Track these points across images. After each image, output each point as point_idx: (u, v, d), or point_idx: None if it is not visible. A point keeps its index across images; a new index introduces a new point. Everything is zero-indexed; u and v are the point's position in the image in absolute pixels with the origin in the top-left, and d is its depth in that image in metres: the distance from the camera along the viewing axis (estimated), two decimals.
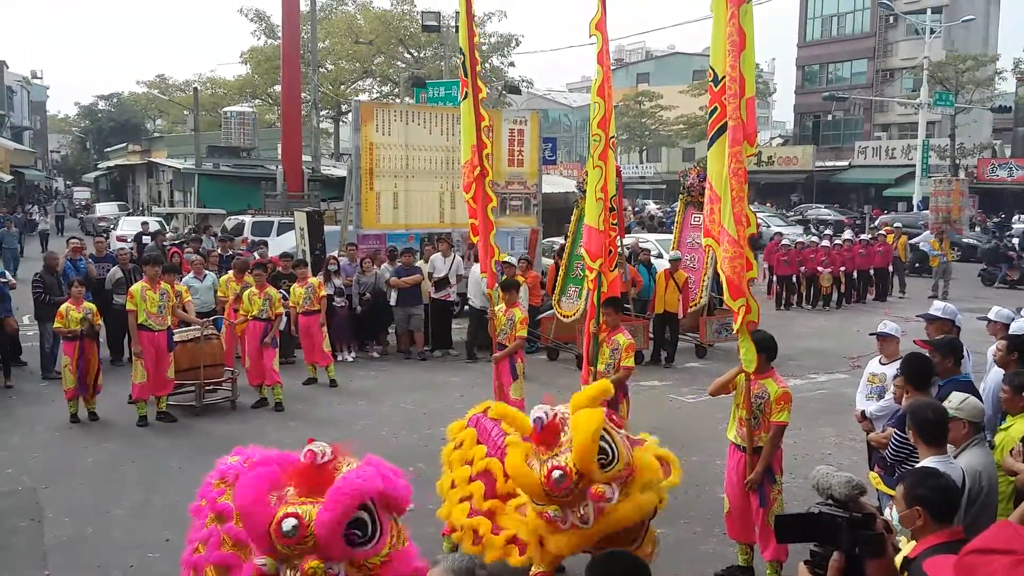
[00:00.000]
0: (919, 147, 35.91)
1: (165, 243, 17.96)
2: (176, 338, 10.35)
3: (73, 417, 9.97)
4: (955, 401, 4.61)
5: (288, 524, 3.60)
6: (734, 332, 6.59)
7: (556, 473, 4.60)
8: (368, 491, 3.77)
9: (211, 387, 10.86)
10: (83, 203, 51.76)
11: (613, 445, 4.75)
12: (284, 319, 11.80)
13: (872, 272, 20.62)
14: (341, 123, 45.41)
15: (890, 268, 21.35)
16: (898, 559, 2.89)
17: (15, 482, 8.10)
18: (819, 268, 19.15)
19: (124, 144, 56.41)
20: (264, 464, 3.94)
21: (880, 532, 1.90)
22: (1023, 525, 4.22)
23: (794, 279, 19.39)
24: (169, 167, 39.83)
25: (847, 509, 1.94)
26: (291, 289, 12.13)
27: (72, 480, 8.16)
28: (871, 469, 6.33)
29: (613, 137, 8.81)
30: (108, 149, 62.33)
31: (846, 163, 47.11)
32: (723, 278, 6.34)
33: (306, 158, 31.03)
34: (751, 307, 6.33)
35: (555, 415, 4.85)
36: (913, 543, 3.32)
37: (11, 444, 9.20)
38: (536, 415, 4.80)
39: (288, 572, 3.73)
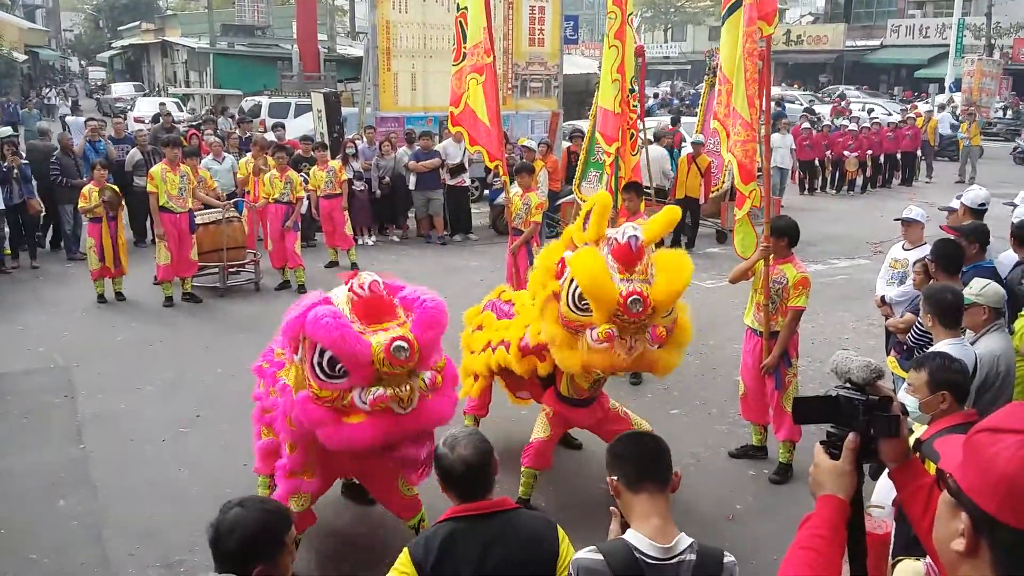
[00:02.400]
0: (954, 25, 34.55)
1: (179, 124, 17.80)
2: (198, 221, 10.41)
3: (100, 298, 10.16)
4: (976, 287, 4.59)
5: (398, 346, 3.96)
6: (735, 218, 6.60)
7: (635, 299, 4.48)
8: (443, 311, 4.22)
9: (234, 269, 10.99)
10: (99, 83, 51.16)
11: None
12: (305, 202, 11.80)
13: (899, 156, 20.23)
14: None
15: (919, 152, 20.93)
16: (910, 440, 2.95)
17: (47, 360, 8.33)
18: (845, 152, 18.80)
19: (137, 22, 55.28)
20: (324, 304, 4.13)
21: (896, 414, 1.92)
22: None
23: (817, 163, 19.04)
24: (184, 46, 39.18)
25: (864, 392, 1.95)
26: (311, 172, 12.08)
27: (103, 358, 8.38)
28: (888, 354, 6.38)
29: (631, 14, 8.50)
30: (121, 28, 61.12)
31: (878, 42, 45.54)
32: (734, 161, 6.26)
33: (321, 37, 30.39)
34: (758, 192, 6.31)
35: (643, 241, 4.67)
36: (925, 427, 3.40)
37: (41, 323, 9.42)
38: (632, 232, 4.61)
39: (400, 389, 4.06)
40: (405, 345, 3.97)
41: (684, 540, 2.49)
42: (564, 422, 5.65)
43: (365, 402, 4.02)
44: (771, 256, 6.01)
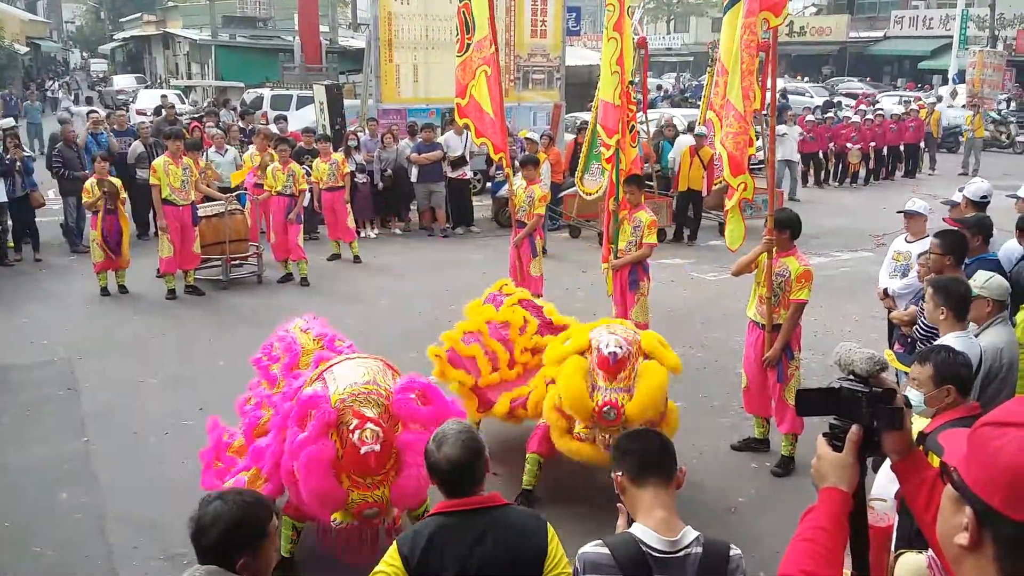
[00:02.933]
0: (958, 16, 34.40)
1: (181, 116, 17.78)
2: (200, 213, 10.41)
3: (103, 290, 10.16)
4: (980, 280, 4.58)
5: (370, 512, 4.14)
6: (725, 209, 6.65)
7: (608, 409, 4.87)
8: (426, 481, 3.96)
9: (237, 262, 10.99)
10: (100, 75, 51.13)
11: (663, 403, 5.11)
12: (308, 195, 11.79)
13: (902, 148, 20.17)
14: None
15: (922, 144, 20.87)
16: (913, 432, 2.94)
17: (50, 353, 8.34)
18: (848, 144, 18.75)
19: (139, 14, 55.20)
20: (322, 454, 4.09)
21: (900, 407, 1.92)
22: None
23: (821, 155, 18.98)
24: (185, 38, 39.11)
25: (868, 384, 1.95)
26: (314, 165, 12.07)
27: (105, 351, 8.39)
28: (890, 347, 6.37)
29: (631, 7, 8.47)
30: (123, 19, 61.06)
31: (881, 34, 45.38)
32: (724, 153, 6.26)
33: (323, 28, 30.33)
34: (747, 184, 6.33)
35: (628, 353, 4.97)
36: (928, 420, 3.40)
37: (44, 316, 9.43)
38: (612, 349, 4.91)
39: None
40: (376, 511, 4.14)
41: (690, 533, 2.49)
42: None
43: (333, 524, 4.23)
44: (774, 249, 6.00)
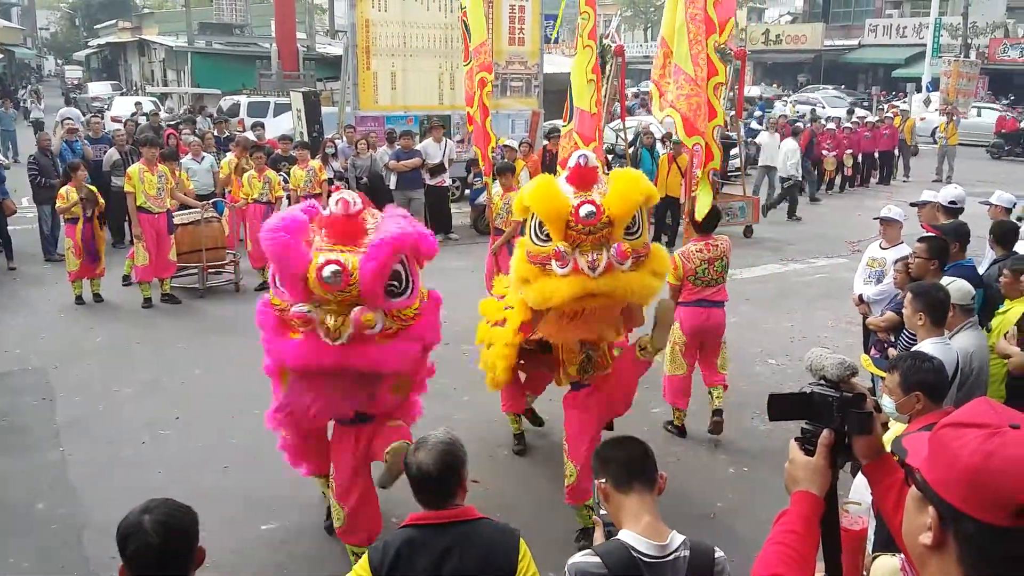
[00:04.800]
0: (931, 25, 34.88)
1: (161, 124, 17.71)
2: (176, 221, 10.35)
3: (78, 299, 10.07)
4: (944, 286, 4.66)
5: (329, 270, 3.71)
6: (695, 179, 6.97)
7: (587, 207, 4.33)
8: (406, 243, 3.96)
9: (214, 270, 10.93)
10: (75, 82, 50.75)
11: (640, 218, 4.62)
12: (285, 202, 11.75)
13: (877, 155, 20.38)
14: None
15: (896, 151, 21.11)
16: (888, 439, 2.99)
17: (24, 362, 8.26)
18: (823, 152, 18.90)
19: (114, 21, 54.85)
20: (290, 213, 4.01)
21: (869, 411, 1.95)
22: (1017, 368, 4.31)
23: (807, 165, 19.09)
24: (161, 45, 38.91)
25: (838, 389, 1.99)
26: (292, 172, 12.04)
27: (80, 360, 8.31)
28: (866, 352, 6.44)
29: (611, 16, 8.60)
30: (98, 26, 60.63)
31: (856, 42, 45.90)
32: (676, 116, 6.46)
33: (300, 35, 30.26)
34: (714, 154, 6.53)
35: (596, 166, 4.62)
36: (905, 426, 3.44)
37: (18, 325, 9.34)
38: (581, 152, 4.56)
39: (328, 318, 3.86)
40: (338, 270, 3.72)
41: (677, 537, 2.52)
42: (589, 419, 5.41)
43: (290, 313, 3.90)
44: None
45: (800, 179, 16.40)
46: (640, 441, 2.77)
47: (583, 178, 4.52)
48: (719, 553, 2.57)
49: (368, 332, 3.90)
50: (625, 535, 2.51)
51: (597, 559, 2.46)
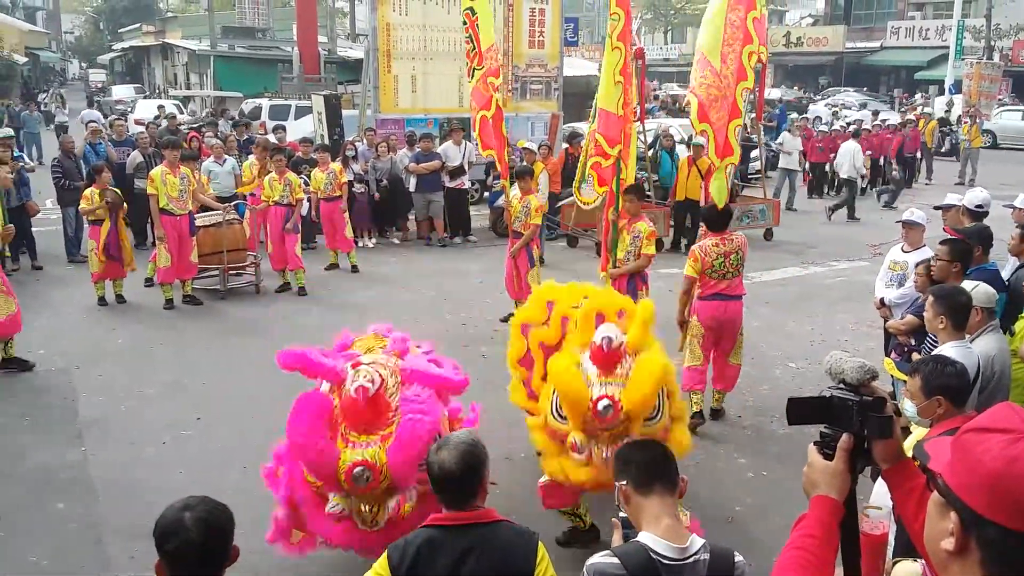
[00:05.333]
0: (954, 27, 34.57)
1: (182, 127, 17.87)
2: (198, 223, 10.43)
3: (101, 300, 10.16)
4: (966, 289, 4.61)
5: (358, 472, 3.66)
6: (713, 168, 7.16)
7: (604, 403, 4.22)
8: (435, 428, 3.79)
9: (235, 271, 11.00)
10: (99, 85, 51.28)
11: (662, 402, 4.52)
12: (306, 204, 11.83)
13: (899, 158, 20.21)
14: (357, 1, 44.26)
15: (918, 154, 20.94)
16: (909, 443, 2.96)
17: (48, 362, 8.34)
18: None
19: (138, 24, 55.37)
20: (313, 400, 3.87)
21: (889, 415, 1.93)
22: None
23: (827, 167, 19.01)
24: (184, 49, 39.24)
25: (858, 393, 1.97)
26: (312, 174, 12.11)
27: (103, 361, 8.39)
28: (888, 355, 6.39)
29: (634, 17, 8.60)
30: (122, 30, 61.25)
31: (878, 44, 45.59)
32: (694, 100, 6.61)
33: (322, 39, 30.43)
34: (733, 149, 6.69)
35: (622, 343, 4.44)
36: (927, 429, 3.41)
37: (41, 326, 9.43)
38: (607, 334, 4.38)
39: (363, 507, 3.84)
40: (367, 472, 3.67)
41: (697, 540, 2.52)
42: None
43: (326, 510, 3.86)
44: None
45: (857, 179, 16.74)
46: (661, 444, 2.76)
47: (607, 361, 4.39)
48: (739, 557, 2.56)
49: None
50: (644, 537, 2.50)
51: (616, 560, 2.45)
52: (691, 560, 2.47)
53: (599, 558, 2.49)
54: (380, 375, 3.91)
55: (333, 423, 3.87)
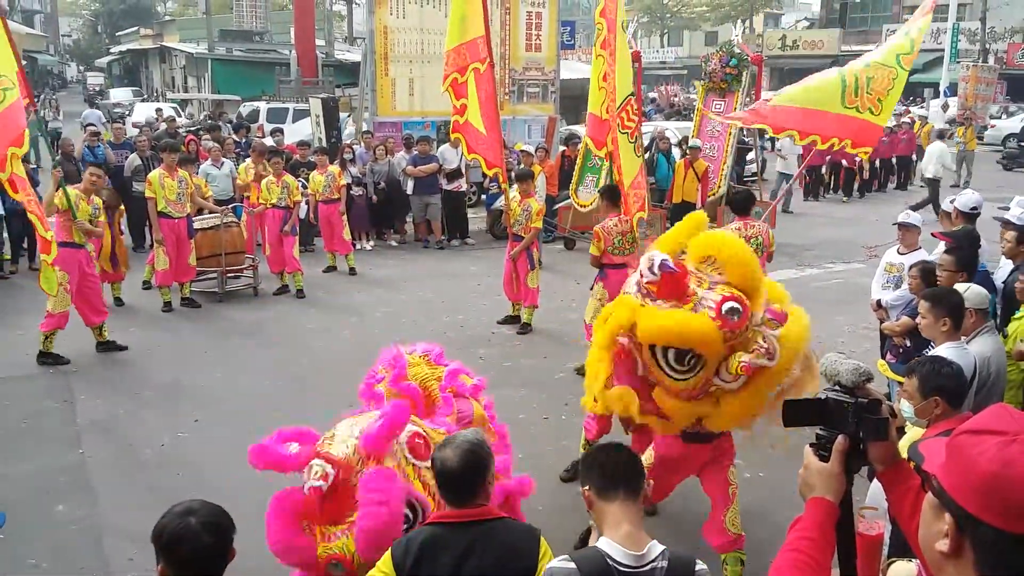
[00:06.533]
0: (949, 30, 34.65)
1: (180, 129, 17.87)
2: (196, 226, 10.43)
3: None
4: (959, 291, 4.64)
5: (332, 566, 3.54)
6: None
7: (728, 305, 3.65)
8: (396, 514, 3.50)
9: (233, 274, 11.01)
10: (97, 88, 51.23)
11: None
12: (304, 207, 11.84)
13: (894, 160, 20.26)
14: (354, 5, 44.30)
15: (913, 156, 20.98)
16: (904, 444, 2.98)
17: (46, 365, 8.34)
18: (843, 161, 18.74)
19: (135, 28, 55.37)
20: (286, 499, 3.68)
21: (884, 417, 1.95)
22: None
23: (823, 169, 19.04)
24: (182, 52, 39.23)
25: (854, 395, 1.98)
26: (310, 176, 12.12)
27: (101, 363, 8.39)
28: (883, 357, 6.41)
29: (625, 21, 8.65)
30: (119, 33, 61.24)
31: (873, 47, 45.57)
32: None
33: (319, 42, 30.44)
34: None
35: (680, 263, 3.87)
36: (923, 430, 3.43)
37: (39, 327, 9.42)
38: (660, 258, 3.73)
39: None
40: (341, 567, 3.52)
41: (656, 547, 2.51)
42: (671, 467, 4.72)
43: None
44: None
45: (940, 179, 17.31)
46: (626, 448, 2.76)
47: (676, 285, 3.78)
48: (700, 565, 2.55)
49: None
50: (603, 543, 2.51)
51: (572, 566, 2.45)
52: (647, 567, 2.46)
53: (557, 562, 2.50)
54: (334, 461, 3.63)
55: (310, 513, 3.68)
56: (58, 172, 8.82)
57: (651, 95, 36.61)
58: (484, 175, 14.90)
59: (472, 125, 8.76)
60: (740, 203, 7.56)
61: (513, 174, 9.64)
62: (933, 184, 17.01)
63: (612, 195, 8.17)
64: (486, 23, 8.74)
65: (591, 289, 8.02)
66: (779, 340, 3.79)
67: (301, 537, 3.55)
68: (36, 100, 7.49)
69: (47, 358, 8.33)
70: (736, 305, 3.65)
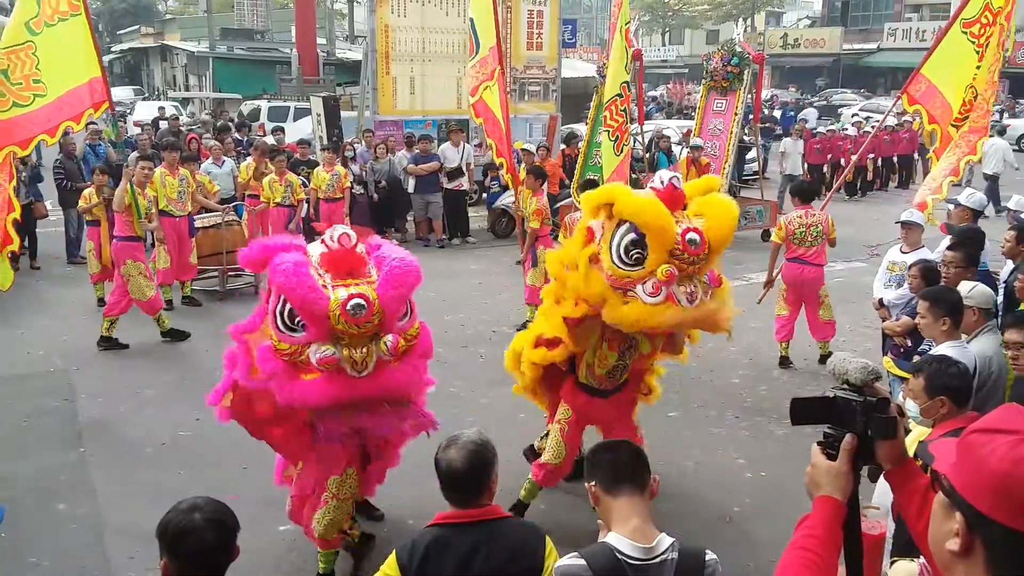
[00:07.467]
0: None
1: (182, 128, 17.88)
2: (197, 224, 10.43)
3: (100, 301, 10.13)
4: (964, 289, 4.63)
5: (353, 304, 3.80)
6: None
7: (693, 235, 4.22)
8: (419, 273, 4.06)
9: (234, 273, 11.00)
10: None
11: None
12: (305, 205, 11.84)
13: (896, 159, 20.23)
14: (356, 3, 44.30)
15: (915, 155, 20.95)
16: (912, 442, 2.97)
17: (47, 363, 8.34)
18: (843, 160, 18.71)
19: (136, 26, 55.36)
20: (295, 251, 4.04)
21: (893, 415, 1.94)
22: None
23: (824, 169, 18.99)
24: (183, 50, 39.26)
25: (862, 393, 1.97)
26: (315, 172, 12.11)
27: (102, 361, 8.39)
28: (885, 355, 6.40)
29: (627, 22, 8.69)
30: (120, 31, 61.22)
31: (874, 45, 45.66)
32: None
33: (320, 41, 30.44)
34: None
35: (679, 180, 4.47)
36: (929, 430, 3.42)
37: (41, 326, 9.43)
38: (670, 175, 4.41)
39: (354, 352, 3.92)
40: (363, 303, 3.80)
41: (665, 540, 2.50)
42: (580, 423, 5.29)
43: (314, 359, 3.89)
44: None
45: (1000, 173, 17.40)
46: (631, 444, 2.76)
47: (674, 201, 4.36)
48: (710, 555, 2.55)
49: (387, 358, 4.01)
50: (612, 538, 2.50)
51: (582, 562, 2.45)
52: (658, 560, 2.45)
53: (566, 560, 2.49)
54: (358, 234, 4.14)
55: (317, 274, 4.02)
56: (130, 170, 8.90)
57: (651, 93, 36.61)
58: (484, 174, 14.97)
59: (490, 108, 8.93)
60: (804, 193, 8.48)
61: (529, 169, 9.75)
62: (993, 180, 17.02)
63: (585, 189, 8.38)
64: (497, 30, 8.84)
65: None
66: (708, 294, 4.38)
67: (316, 286, 3.82)
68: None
69: (172, 335, 9.00)
70: (696, 237, 4.23)
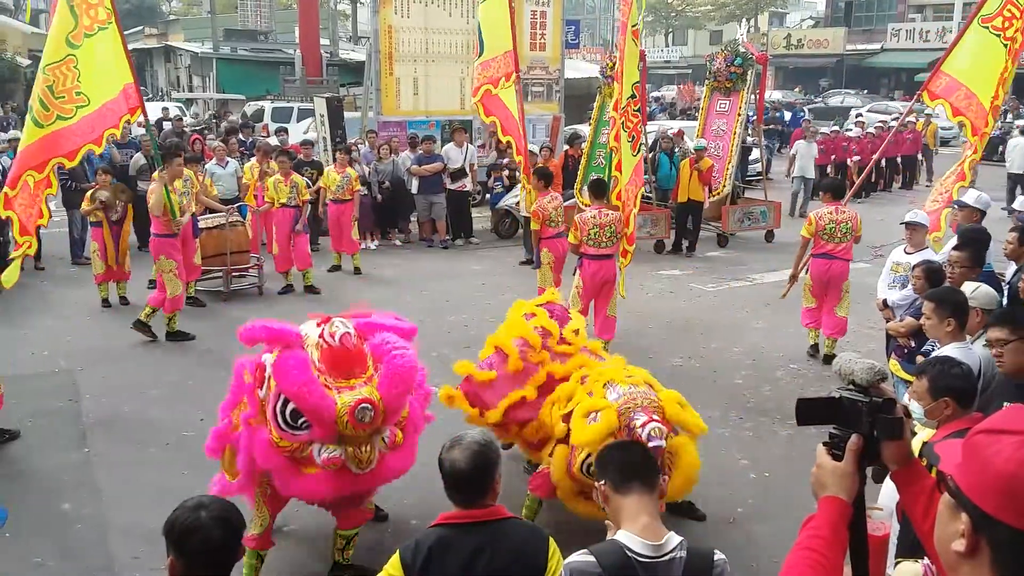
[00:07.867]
0: (954, 29, 34.61)
1: (185, 129, 17.90)
2: (201, 225, 10.43)
3: (104, 302, 10.18)
4: (968, 290, 4.62)
5: (363, 408, 3.85)
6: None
7: (363, 407, 4.16)
8: (416, 363, 4.08)
9: (238, 273, 11.02)
10: None
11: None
12: (309, 206, 11.85)
13: (899, 160, 20.21)
14: (359, 4, 44.34)
15: (919, 156, 20.93)
16: (916, 444, 2.97)
17: (51, 364, 8.36)
18: (849, 161, 18.68)
19: (140, 27, 55.40)
20: (296, 356, 4.02)
21: (899, 416, 1.94)
22: None
23: (828, 169, 18.96)
24: (187, 51, 39.32)
25: (868, 394, 1.97)
26: (326, 172, 12.13)
27: (107, 362, 8.40)
28: (888, 357, 6.40)
29: (635, 26, 8.69)
30: (124, 32, 61.32)
31: (878, 46, 45.61)
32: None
33: (324, 41, 30.46)
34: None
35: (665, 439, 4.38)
36: (933, 431, 3.41)
37: (45, 327, 9.45)
38: (656, 443, 4.18)
39: (360, 450, 4.00)
40: (369, 408, 3.87)
41: (674, 538, 2.52)
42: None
43: (319, 460, 3.96)
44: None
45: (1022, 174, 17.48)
46: (640, 445, 2.77)
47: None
48: (719, 555, 2.56)
49: (387, 451, 4.16)
50: (621, 535, 2.51)
51: (592, 559, 2.47)
52: (667, 557, 2.47)
53: (577, 556, 2.51)
54: (357, 331, 4.14)
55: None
56: (164, 174, 8.92)
57: (653, 94, 36.59)
58: (488, 175, 14.98)
59: (505, 104, 8.95)
60: (836, 189, 8.72)
61: (536, 170, 9.75)
62: (1019, 179, 17.13)
63: (595, 188, 8.69)
64: (514, 35, 8.90)
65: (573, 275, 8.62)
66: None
67: (323, 391, 3.87)
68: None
69: (176, 336, 9.04)
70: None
